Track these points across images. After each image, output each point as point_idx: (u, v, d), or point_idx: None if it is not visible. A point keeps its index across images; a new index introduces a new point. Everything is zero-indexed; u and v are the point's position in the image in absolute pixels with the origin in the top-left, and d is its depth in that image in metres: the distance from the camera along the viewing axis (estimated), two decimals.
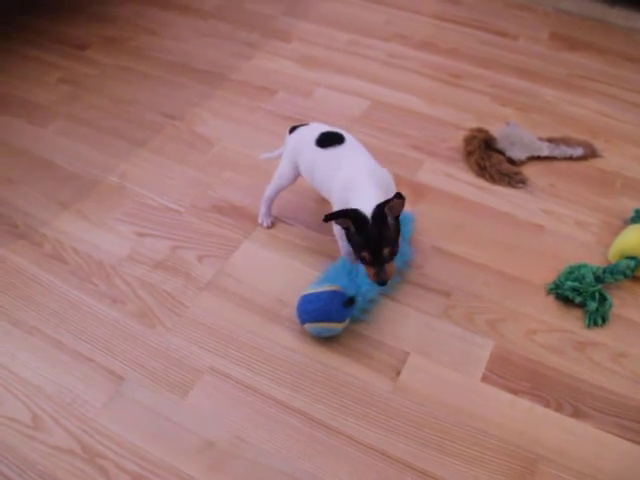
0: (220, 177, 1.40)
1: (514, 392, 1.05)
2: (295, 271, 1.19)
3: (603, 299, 1.19)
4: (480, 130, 1.50)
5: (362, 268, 1.07)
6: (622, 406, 1.05)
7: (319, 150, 1.14)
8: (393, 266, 1.03)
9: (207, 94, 1.67)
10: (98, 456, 0.94)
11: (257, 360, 1.07)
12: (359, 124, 1.57)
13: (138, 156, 1.46)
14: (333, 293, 1.05)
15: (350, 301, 1.06)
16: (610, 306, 1.18)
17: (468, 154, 1.46)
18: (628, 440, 1.01)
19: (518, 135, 1.52)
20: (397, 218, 1.02)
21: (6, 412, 0.99)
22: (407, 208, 1.31)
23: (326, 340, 1.09)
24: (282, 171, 1.23)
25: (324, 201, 1.31)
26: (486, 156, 1.45)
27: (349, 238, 1.03)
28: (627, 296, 1.22)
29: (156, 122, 1.57)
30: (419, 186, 1.40)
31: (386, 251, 1.00)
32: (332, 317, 1.05)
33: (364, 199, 1.02)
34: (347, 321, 1.08)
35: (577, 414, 1.03)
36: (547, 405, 1.04)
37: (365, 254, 1.00)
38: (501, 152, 1.49)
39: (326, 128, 1.19)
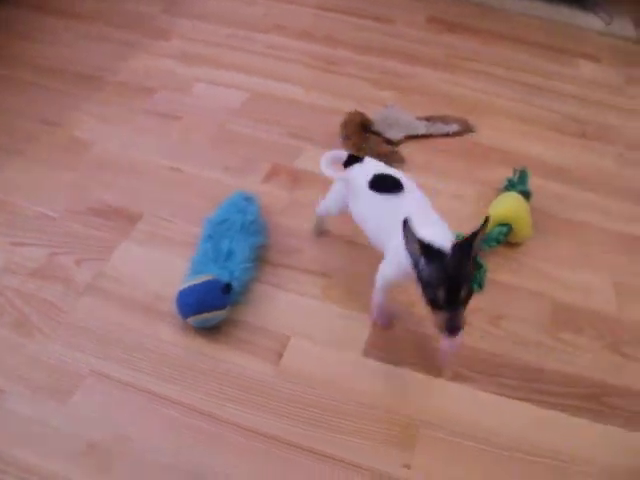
0: (97, 179, 1.38)
1: (395, 363, 1.08)
2: (174, 266, 1.19)
3: (478, 266, 1.23)
4: (357, 113, 1.53)
5: (228, 252, 1.08)
6: (501, 366, 1.10)
7: (374, 195, 1.04)
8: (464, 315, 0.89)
9: (86, 98, 1.64)
10: None
11: (139, 358, 1.06)
12: (238, 116, 1.57)
13: (11, 167, 1.42)
14: (209, 282, 1.06)
15: (227, 287, 1.07)
16: (485, 272, 1.23)
17: (346, 138, 1.49)
18: (507, 397, 1.06)
19: (395, 116, 1.56)
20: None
21: None
22: (282, 194, 1.34)
23: (207, 331, 1.09)
24: (329, 204, 1.18)
25: (200, 197, 1.32)
26: (364, 138, 1.48)
27: (419, 275, 0.90)
28: (502, 261, 1.28)
29: (33, 130, 1.53)
30: (298, 172, 1.42)
31: (464, 292, 0.87)
32: (213, 306, 1.06)
33: (435, 233, 0.90)
34: (228, 307, 1.08)
35: (457, 377, 1.07)
36: (428, 372, 1.07)
37: (440, 293, 0.87)
38: (379, 134, 1.52)
39: (382, 168, 1.10)
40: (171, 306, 1.10)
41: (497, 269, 1.25)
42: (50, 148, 1.47)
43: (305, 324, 1.12)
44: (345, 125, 1.51)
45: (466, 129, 1.59)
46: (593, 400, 1.07)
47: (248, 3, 2.11)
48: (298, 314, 1.14)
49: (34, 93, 1.67)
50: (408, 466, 0.96)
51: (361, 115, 1.54)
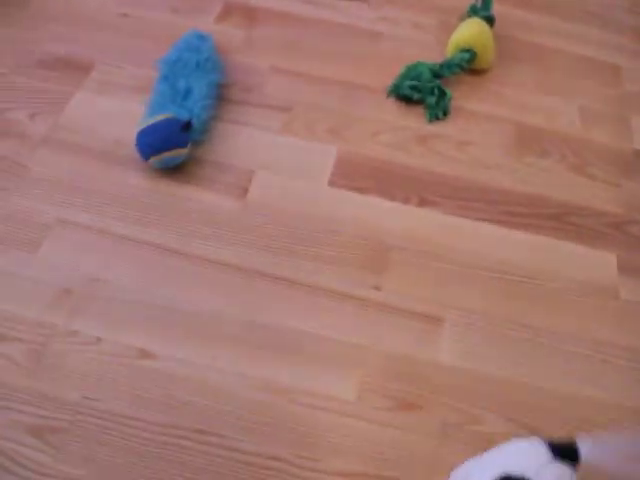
0: (43, 31, 1.31)
1: (361, 191, 1.08)
2: (131, 112, 1.15)
3: (442, 93, 1.21)
4: None
5: (185, 91, 1.06)
6: (466, 190, 1.11)
7: None
8: None
9: None
10: None
11: (103, 203, 1.05)
12: None
13: None
14: (168, 120, 1.04)
15: (187, 125, 1.04)
16: (450, 99, 1.21)
17: None
18: (472, 219, 1.07)
19: None
20: None
21: None
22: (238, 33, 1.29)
23: (169, 171, 1.08)
24: None
25: (151, 40, 1.27)
26: None
27: None
28: (467, 88, 1.26)
29: None
30: (252, 10, 1.36)
31: None
32: (174, 143, 1.04)
33: None
34: (189, 145, 1.06)
35: (423, 203, 1.08)
36: (393, 199, 1.08)
37: None
38: None
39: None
40: (132, 151, 1.08)
41: (461, 96, 1.23)
42: None
43: (269, 158, 1.11)
44: None
45: None
46: (557, 219, 1.09)
47: None
48: (261, 149, 1.12)
49: None
50: (378, 287, 0.98)
51: None
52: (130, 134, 1.09)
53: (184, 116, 1.05)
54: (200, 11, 1.34)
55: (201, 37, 1.20)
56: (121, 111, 1.17)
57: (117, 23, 1.32)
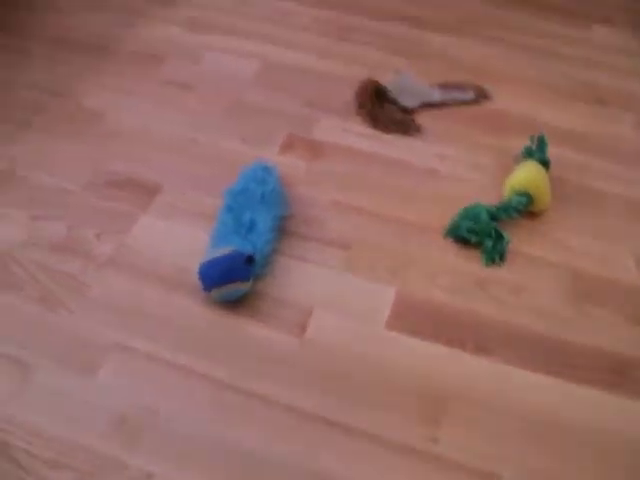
0: (113, 151, 1.37)
1: (417, 335, 1.08)
2: (195, 238, 1.19)
3: (499, 237, 1.22)
4: (370, 81, 1.51)
5: (250, 224, 1.09)
6: (522, 339, 1.10)
7: None
8: None
9: (93, 67, 1.61)
10: (8, 447, 0.93)
11: (162, 330, 1.06)
12: (252, 85, 1.55)
13: (26, 138, 1.41)
14: (232, 254, 1.06)
15: (250, 259, 1.06)
16: (507, 243, 1.22)
17: (360, 106, 1.47)
18: (530, 369, 1.06)
19: (409, 84, 1.54)
20: None
21: None
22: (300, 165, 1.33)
23: (230, 303, 1.09)
24: None
25: (218, 168, 1.31)
26: (378, 107, 1.46)
27: None
28: (523, 232, 1.27)
29: (41, 100, 1.51)
30: (316, 143, 1.41)
31: None
32: (237, 277, 1.05)
33: None
34: (252, 280, 1.08)
35: (479, 350, 1.07)
36: (450, 345, 1.07)
37: None
38: (393, 102, 1.50)
39: None
40: (193, 279, 1.10)
41: (519, 240, 1.24)
42: (61, 119, 1.46)
43: (328, 296, 1.12)
44: (359, 93, 1.49)
45: (482, 96, 1.57)
46: (618, 373, 1.07)
47: None
48: (320, 286, 1.14)
49: (40, 64, 1.64)
50: (435, 440, 0.96)
51: (375, 83, 1.51)
52: (192, 262, 1.11)
53: (248, 249, 1.08)
54: (266, 141, 1.39)
55: (266, 168, 1.24)
56: (185, 237, 1.20)
57: (187, 147, 1.37)
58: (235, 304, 1.09)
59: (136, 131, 1.42)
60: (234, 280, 1.05)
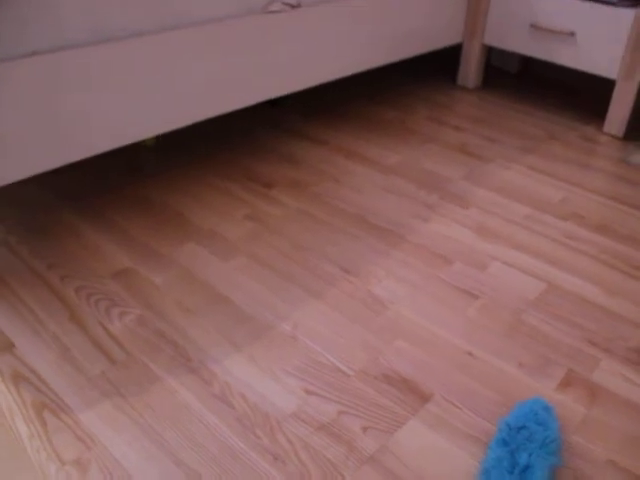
0: (392, 345, 1.40)
1: None
2: (456, 459, 1.15)
3: None
4: None
5: (525, 467, 1.03)
6: None
7: None
8: None
9: (383, 252, 1.70)
10: None
11: None
12: (534, 307, 1.53)
13: (312, 307, 1.49)
14: None
15: None
16: None
17: None
18: None
19: None
20: None
21: None
22: (578, 410, 1.25)
23: None
24: None
25: (491, 388, 1.28)
26: None
27: None
28: None
29: (331, 274, 1.61)
30: (595, 387, 1.33)
31: None
32: None
33: None
34: None
35: None
36: None
37: None
38: None
39: None
40: None
41: None
42: (347, 298, 1.53)
43: None
44: None
45: None
46: None
47: (546, 184, 2.11)
48: None
49: (334, 235, 1.77)
50: None
51: None
52: None
53: None
54: (543, 373, 1.34)
55: (547, 409, 1.19)
56: (450, 456, 1.16)
57: (462, 361, 1.36)
58: None
59: (416, 330, 1.44)
60: None
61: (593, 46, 2.39)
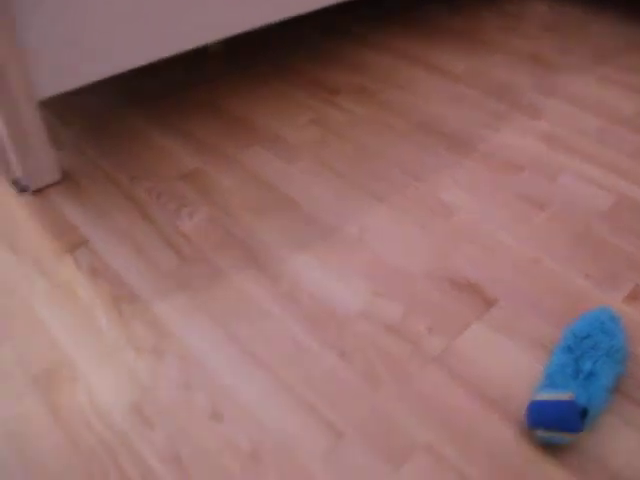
0: (459, 250, 1.40)
1: None
2: (520, 363, 1.17)
3: None
4: None
5: (589, 374, 1.03)
6: None
7: None
8: None
9: (452, 161, 1.69)
10: None
11: (472, 449, 1.05)
12: (604, 220, 1.51)
13: (378, 211, 1.50)
14: (569, 402, 1.02)
15: (584, 412, 1.02)
16: None
17: None
18: None
19: None
20: None
21: (231, 439, 1.05)
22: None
23: (546, 447, 1.05)
24: None
25: (556, 296, 1.28)
26: None
27: None
28: None
29: (399, 179, 1.60)
30: None
31: None
32: (567, 427, 1.01)
33: None
34: (579, 434, 1.03)
35: None
36: None
37: None
38: None
39: None
40: (517, 407, 1.08)
41: None
42: (414, 203, 1.53)
43: None
44: None
45: None
46: None
47: (623, 96, 2.03)
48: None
49: (402, 142, 1.75)
50: None
51: None
52: (518, 389, 1.10)
53: (582, 400, 1.03)
54: (611, 285, 1.33)
55: (614, 319, 1.18)
56: (515, 360, 1.18)
57: (528, 268, 1.36)
58: (552, 449, 1.05)
59: (482, 236, 1.44)
60: (564, 429, 1.01)
61: None
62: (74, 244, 1.45)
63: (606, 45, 2.36)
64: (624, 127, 1.88)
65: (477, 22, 2.53)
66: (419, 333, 1.22)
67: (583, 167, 1.69)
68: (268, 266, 1.36)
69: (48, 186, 1.65)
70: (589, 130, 1.85)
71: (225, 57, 2.24)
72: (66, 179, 1.67)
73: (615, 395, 1.13)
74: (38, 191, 1.64)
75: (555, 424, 1.02)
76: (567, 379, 1.07)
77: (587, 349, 1.12)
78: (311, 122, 1.84)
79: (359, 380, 1.14)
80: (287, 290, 1.31)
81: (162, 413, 1.10)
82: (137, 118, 1.89)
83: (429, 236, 1.44)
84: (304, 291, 1.30)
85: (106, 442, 1.06)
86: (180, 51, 1.69)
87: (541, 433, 1.03)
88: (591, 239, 1.45)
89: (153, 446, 1.06)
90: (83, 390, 1.15)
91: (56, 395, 1.14)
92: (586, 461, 1.04)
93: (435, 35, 2.40)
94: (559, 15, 2.62)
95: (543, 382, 1.09)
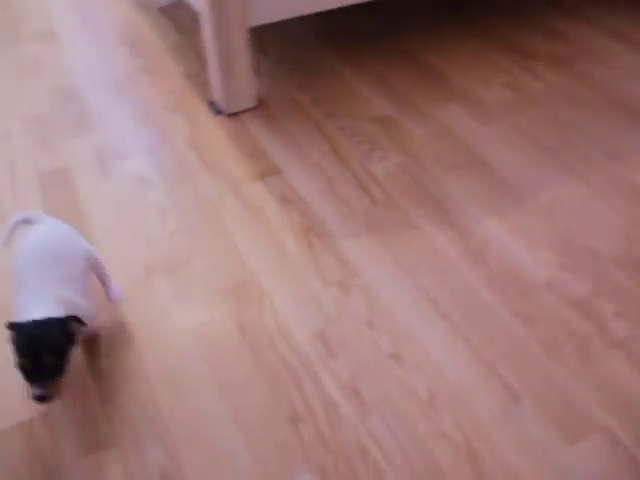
0: None
1: None
2: None
3: None
4: None
5: None
6: None
7: None
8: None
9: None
10: (476, 456, 1.00)
11: None
12: None
13: (571, 185, 1.48)
14: None
15: None
16: None
17: None
18: None
19: None
20: None
21: (409, 382, 1.09)
22: None
23: None
24: None
25: None
26: None
27: None
28: None
29: (592, 155, 1.57)
30: None
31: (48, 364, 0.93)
32: None
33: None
34: None
35: None
36: None
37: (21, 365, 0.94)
38: None
39: None
40: None
41: None
42: (609, 183, 1.49)
43: None
44: None
45: None
46: None
47: None
48: None
49: (597, 118, 1.69)
50: None
51: None
52: None
53: None
54: None
55: None
56: None
57: None
58: None
59: None
60: None
61: None
62: (267, 171, 1.52)
63: None
64: None
65: None
66: (605, 315, 1.21)
67: None
68: (459, 223, 1.38)
69: (243, 111, 1.73)
70: None
71: (420, 7, 2.23)
72: (260, 106, 1.74)
73: None
74: (234, 114, 1.72)
75: None
76: None
77: None
78: (505, 85, 1.82)
79: (540, 350, 1.15)
80: (476, 250, 1.32)
81: (345, 345, 1.16)
82: (335, 59, 1.93)
83: (620, 218, 1.40)
84: (492, 254, 1.32)
85: (289, 364, 1.13)
86: None
87: None
88: None
89: (334, 376, 1.12)
90: (269, 311, 1.22)
91: (243, 312, 1.22)
92: None
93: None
94: None
95: None
